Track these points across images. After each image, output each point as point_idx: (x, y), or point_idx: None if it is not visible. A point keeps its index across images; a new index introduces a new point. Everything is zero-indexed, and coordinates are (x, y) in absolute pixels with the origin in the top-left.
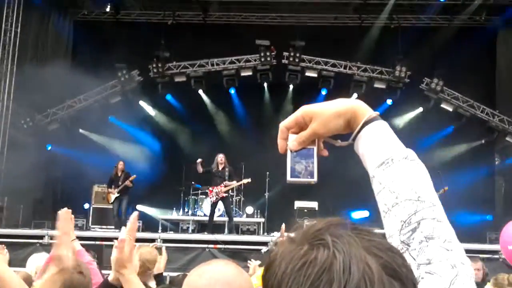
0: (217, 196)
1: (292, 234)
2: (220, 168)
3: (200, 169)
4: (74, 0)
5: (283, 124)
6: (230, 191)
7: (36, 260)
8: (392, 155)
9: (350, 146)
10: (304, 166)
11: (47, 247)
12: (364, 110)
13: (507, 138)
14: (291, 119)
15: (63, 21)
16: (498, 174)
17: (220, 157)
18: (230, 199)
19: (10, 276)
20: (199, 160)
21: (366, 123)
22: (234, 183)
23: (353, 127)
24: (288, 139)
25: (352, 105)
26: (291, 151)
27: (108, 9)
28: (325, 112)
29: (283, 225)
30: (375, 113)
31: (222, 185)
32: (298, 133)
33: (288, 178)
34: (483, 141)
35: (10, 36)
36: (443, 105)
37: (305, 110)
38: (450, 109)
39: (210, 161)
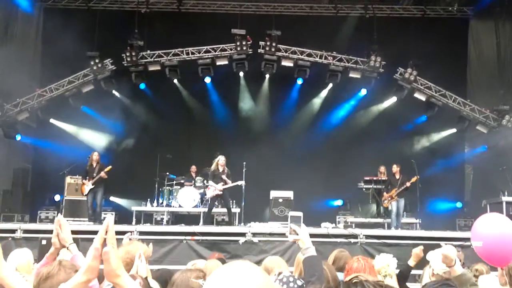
0: (213, 193)
1: None
2: (220, 170)
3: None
4: None
5: None
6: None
7: (18, 257)
8: None
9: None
10: None
11: (19, 241)
12: None
13: (478, 127)
14: None
15: (32, 7)
16: (468, 162)
17: (222, 160)
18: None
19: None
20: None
21: None
22: (229, 184)
23: None
24: None
25: None
26: None
27: None
28: None
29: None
30: None
31: (220, 184)
32: None
33: None
34: (455, 130)
35: None
36: (416, 95)
37: None
38: (423, 99)
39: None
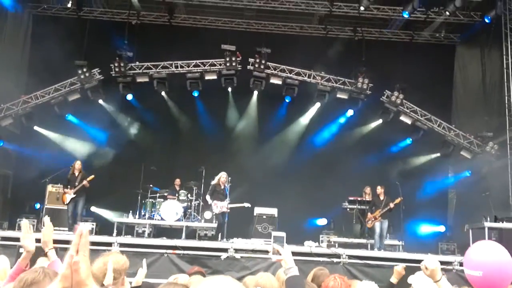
0: (220, 209)
1: None
2: (222, 187)
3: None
4: None
5: None
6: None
7: None
8: None
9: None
10: None
11: None
12: None
13: (462, 152)
14: None
15: (21, 14)
16: (451, 186)
17: (224, 177)
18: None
19: None
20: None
21: None
22: (235, 205)
23: None
24: None
25: None
26: None
27: (69, 5)
28: None
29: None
30: None
31: (226, 201)
32: None
33: None
34: (439, 154)
35: None
36: (402, 118)
37: None
38: (409, 122)
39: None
